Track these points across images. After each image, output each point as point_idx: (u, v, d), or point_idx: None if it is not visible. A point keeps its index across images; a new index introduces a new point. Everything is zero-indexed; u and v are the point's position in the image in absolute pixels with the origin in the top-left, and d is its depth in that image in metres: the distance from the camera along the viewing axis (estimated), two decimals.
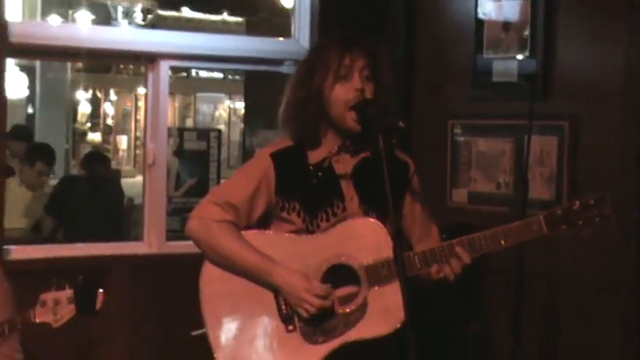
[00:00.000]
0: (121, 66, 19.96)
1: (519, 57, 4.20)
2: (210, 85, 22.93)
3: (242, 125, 15.81)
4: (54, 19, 12.61)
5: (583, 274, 3.91)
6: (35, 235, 6.36)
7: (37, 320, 2.86)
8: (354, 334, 2.62)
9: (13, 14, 7.84)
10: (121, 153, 21.69)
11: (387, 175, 2.45)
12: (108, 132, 22.02)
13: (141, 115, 20.12)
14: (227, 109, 24.02)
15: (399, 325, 2.55)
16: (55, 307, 2.85)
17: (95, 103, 21.82)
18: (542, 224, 2.53)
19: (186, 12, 18.10)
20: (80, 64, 17.31)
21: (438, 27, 4.74)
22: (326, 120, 2.74)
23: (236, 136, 20.97)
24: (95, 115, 21.72)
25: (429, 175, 3.15)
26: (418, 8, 4.81)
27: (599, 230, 2.52)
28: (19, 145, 7.15)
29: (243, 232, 2.74)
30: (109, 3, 14.87)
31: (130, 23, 14.61)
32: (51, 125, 13.28)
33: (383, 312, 2.59)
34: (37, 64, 14.25)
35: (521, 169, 3.96)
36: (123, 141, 22.16)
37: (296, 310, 2.65)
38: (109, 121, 22.50)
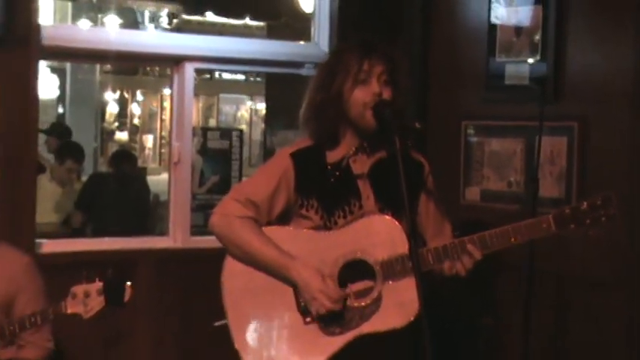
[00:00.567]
0: (148, 68, 20.11)
1: (531, 61, 4.22)
2: (232, 86, 23.00)
3: (263, 125, 15.91)
4: (84, 23, 12.81)
5: (592, 274, 3.92)
6: (65, 229, 6.42)
7: (69, 311, 2.95)
8: (368, 327, 2.65)
9: (46, 18, 8.01)
10: (147, 151, 21.76)
11: (402, 174, 2.47)
12: (135, 131, 22.09)
13: (166, 115, 20.21)
14: (249, 110, 24.07)
15: (412, 318, 2.59)
16: (86, 299, 2.93)
17: (123, 103, 21.99)
18: (551, 223, 2.55)
19: (210, 16, 18.11)
20: (109, 66, 17.43)
21: (452, 32, 4.77)
22: (345, 121, 2.77)
23: (257, 135, 21.05)
24: (122, 115, 21.89)
25: (443, 174, 3.18)
26: (433, 14, 4.84)
27: (606, 230, 2.54)
28: (57, 142, 7.35)
29: (263, 228, 2.76)
30: (136, 8, 14.99)
31: (156, 27, 14.75)
32: (80, 124, 13.37)
33: (397, 305, 2.62)
34: (68, 66, 14.43)
35: (531, 168, 3.99)
36: (149, 140, 22.24)
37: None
38: (136, 121, 22.60)
